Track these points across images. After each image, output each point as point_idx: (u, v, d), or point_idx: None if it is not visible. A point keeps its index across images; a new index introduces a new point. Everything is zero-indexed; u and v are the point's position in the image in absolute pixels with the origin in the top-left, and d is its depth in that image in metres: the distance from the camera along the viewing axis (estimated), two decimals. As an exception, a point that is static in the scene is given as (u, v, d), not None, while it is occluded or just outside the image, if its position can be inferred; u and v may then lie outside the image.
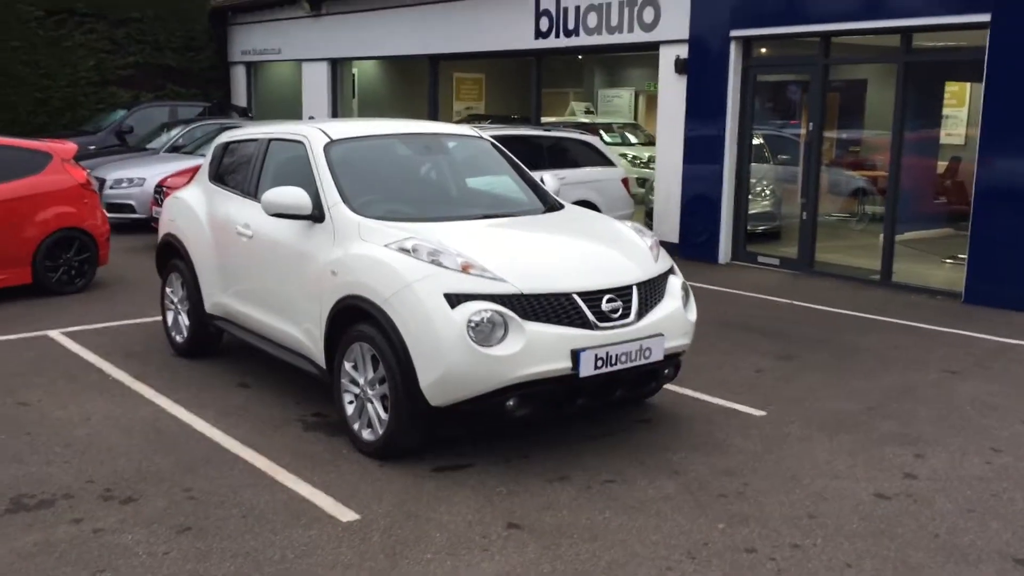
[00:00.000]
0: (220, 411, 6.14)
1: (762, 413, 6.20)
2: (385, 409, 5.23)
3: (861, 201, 15.55)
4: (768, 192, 13.79)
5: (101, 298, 9.55)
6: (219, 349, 7.43)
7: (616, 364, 5.15)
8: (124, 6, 21.01)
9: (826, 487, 5.02)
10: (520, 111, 19.91)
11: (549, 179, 6.86)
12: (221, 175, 7.13)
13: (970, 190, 14.48)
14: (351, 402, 5.50)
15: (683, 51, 12.39)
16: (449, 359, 4.88)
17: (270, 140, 6.65)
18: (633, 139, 20.13)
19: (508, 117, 20.72)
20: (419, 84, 17.87)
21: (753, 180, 12.92)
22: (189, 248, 7.13)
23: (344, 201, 5.74)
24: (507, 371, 4.91)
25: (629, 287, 5.32)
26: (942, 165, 14.77)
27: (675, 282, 5.70)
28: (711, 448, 5.57)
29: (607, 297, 5.19)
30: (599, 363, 5.08)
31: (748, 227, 12.63)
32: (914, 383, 6.95)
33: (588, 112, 22.57)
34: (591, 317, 5.10)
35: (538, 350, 4.94)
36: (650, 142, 20.66)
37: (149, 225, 12.66)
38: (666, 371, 5.61)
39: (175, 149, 15.21)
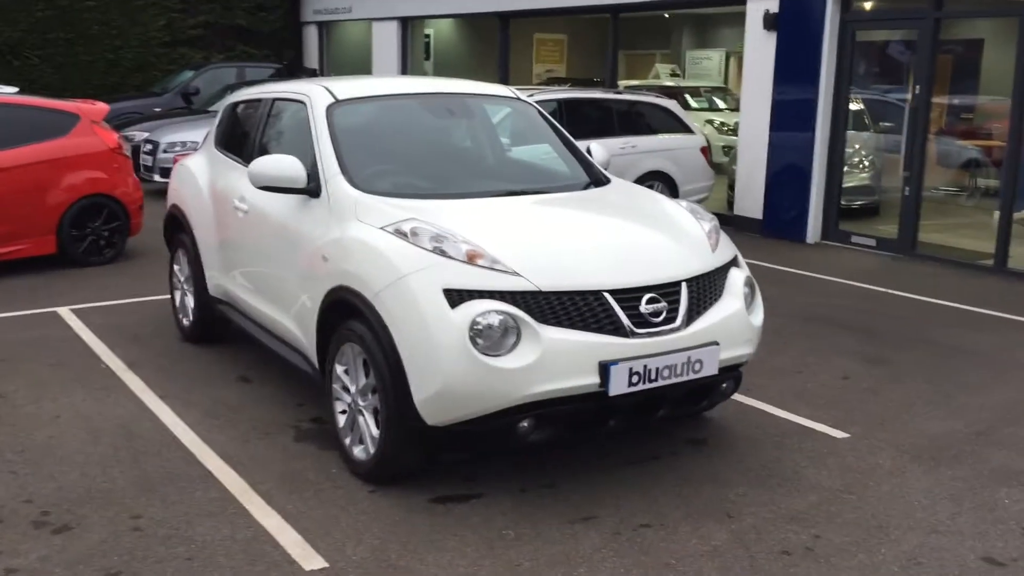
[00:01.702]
0: (208, 411, 5.35)
1: (845, 435, 5.12)
2: (377, 424, 4.34)
3: (973, 174, 14.07)
4: (867, 163, 12.44)
5: (128, 271, 8.90)
6: (229, 335, 6.64)
7: (657, 380, 4.15)
8: (195, -37, 20.53)
9: (921, 545, 3.95)
10: (603, 75, 18.77)
11: (597, 149, 5.84)
12: (226, 140, 6.31)
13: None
14: (343, 412, 4.63)
15: (773, 4, 11.11)
16: (447, 371, 3.95)
17: (274, 100, 5.79)
18: (721, 104, 18.78)
19: (590, 80, 19.60)
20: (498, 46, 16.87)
21: (850, 150, 11.61)
22: (192, 222, 6.35)
23: (343, 173, 4.83)
24: (518, 388, 3.96)
25: (677, 284, 4.30)
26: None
27: (737, 276, 4.65)
28: (777, 482, 4.53)
29: (648, 296, 4.18)
30: (635, 379, 4.09)
31: (843, 202, 11.34)
32: (1035, 399, 5.76)
33: (674, 75, 21.23)
34: (626, 322, 4.11)
35: (558, 362, 3.97)
36: (740, 107, 19.32)
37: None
38: (723, 386, 4.58)
39: (235, 112, 14.58)
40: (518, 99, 5.93)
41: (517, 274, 4.05)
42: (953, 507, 4.30)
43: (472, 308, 3.95)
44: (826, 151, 10.84)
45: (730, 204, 12.25)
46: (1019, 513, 4.25)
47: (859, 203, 12.06)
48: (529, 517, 4.14)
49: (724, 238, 4.84)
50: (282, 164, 4.88)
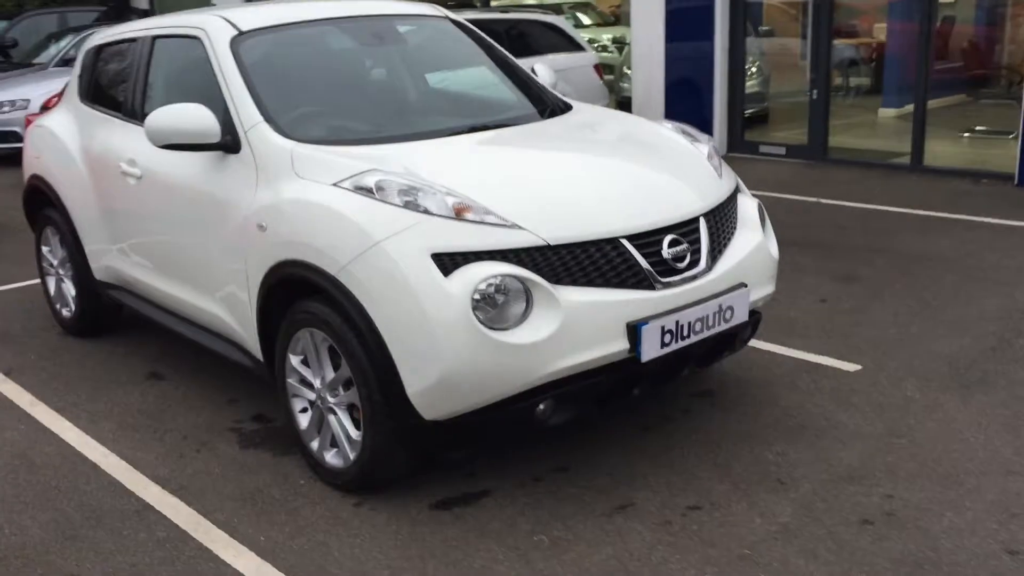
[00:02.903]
0: (122, 423, 4.43)
1: (856, 367, 4.65)
2: (356, 424, 3.57)
3: (845, 73, 14.01)
4: (755, 69, 12.09)
5: (-25, 256, 7.65)
6: (122, 322, 5.65)
7: (689, 336, 3.52)
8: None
9: (1004, 491, 3.50)
10: (460, -3, 17.78)
11: (542, 69, 5.14)
12: (95, 92, 5.25)
13: (979, 53, 12.96)
14: (304, 410, 3.83)
15: (658, -94, 10.47)
16: (448, 354, 3.20)
17: (155, 38, 4.78)
18: (587, 20, 18.14)
19: (444, 3, 18.63)
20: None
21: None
22: (62, 194, 5.29)
23: (267, 120, 3.94)
24: (537, 365, 3.25)
25: (695, 220, 3.66)
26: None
27: (747, 204, 4.05)
28: (812, 433, 4.01)
29: (669, 238, 3.53)
30: (667, 338, 3.45)
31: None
32: (1024, 304, 5.45)
33: (534, -8, 20.39)
34: (649, 270, 3.45)
35: (580, 330, 3.28)
36: (606, 23, 18.72)
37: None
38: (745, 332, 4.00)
39: (66, 63, 13.04)
40: (447, 18, 5.10)
41: (518, 227, 3.32)
42: (1013, 440, 3.87)
43: (471, 274, 3.20)
44: (727, 59, 10.36)
45: (625, 122, 11.69)
46: (1080, 438, 3.87)
47: (751, 111, 11.73)
48: (556, 514, 3.48)
49: (723, 162, 4.21)
50: (188, 115, 3.94)
